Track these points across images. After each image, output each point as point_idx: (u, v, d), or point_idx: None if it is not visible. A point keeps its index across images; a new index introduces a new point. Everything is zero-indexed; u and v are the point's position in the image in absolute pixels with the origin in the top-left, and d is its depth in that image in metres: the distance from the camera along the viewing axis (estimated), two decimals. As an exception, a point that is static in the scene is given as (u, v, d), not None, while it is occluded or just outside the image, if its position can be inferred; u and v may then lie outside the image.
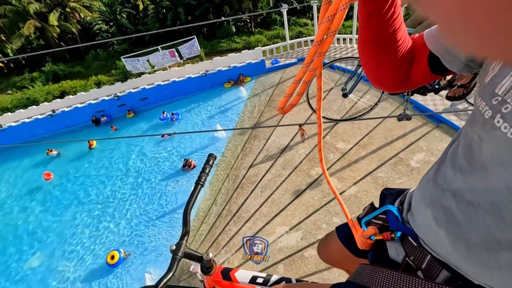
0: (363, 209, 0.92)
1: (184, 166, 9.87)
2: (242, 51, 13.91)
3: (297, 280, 1.07)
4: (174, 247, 0.91)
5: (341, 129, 9.62)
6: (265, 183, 8.63)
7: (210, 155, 1.17)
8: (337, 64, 3.11)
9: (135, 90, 13.25)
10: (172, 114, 12.44)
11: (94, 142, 11.79)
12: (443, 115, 8.59)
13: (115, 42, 22.27)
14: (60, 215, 9.65)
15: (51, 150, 11.79)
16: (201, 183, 1.08)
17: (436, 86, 2.39)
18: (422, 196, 0.59)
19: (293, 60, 13.48)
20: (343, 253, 0.98)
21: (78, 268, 8.13)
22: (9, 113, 13.91)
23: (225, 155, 10.08)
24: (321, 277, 5.92)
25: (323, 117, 3.37)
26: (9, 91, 19.18)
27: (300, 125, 8.03)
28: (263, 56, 13.68)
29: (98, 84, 16.10)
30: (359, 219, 0.87)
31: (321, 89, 0.74)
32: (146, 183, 9.97)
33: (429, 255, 0.58)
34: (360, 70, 2.64)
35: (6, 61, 23.13)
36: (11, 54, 22.00)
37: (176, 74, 13.55)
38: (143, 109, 13.67)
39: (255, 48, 14.00)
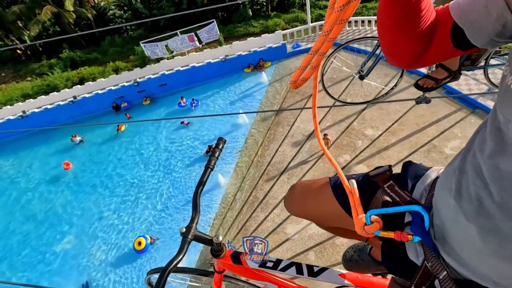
0: (375, 168, 0.83)
1: (207, 152, 9.82)
2: (262, 35, 13.53)
3: (307, 266, 1.04)
4: (184, 229, 0.92)
5: (369, 115, 9.31)
6: (292, 170, 8.50)
7: (220, 139, 1.16)
8: (356, 46, 3.00)
9: (155, 76, 13.14)
10: (193, 99, 12.33)
11: (123, 126, 11.76)
12: (480, 100, 8.19)
13: (129, 27, 22.08)
14: (85, 201, 9.82)
15: (75, 136, 11.91)
16: (211, 166, 1.09)
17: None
18: (448, 188, 0.54)
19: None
20: (335, 212, 0.88)
21: (106, 253, 8.31)
22: (31, 100, 14.09)
23: (248, 142, 9.96)
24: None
25: (338, 99, 3.25)
26: (29, 78, 19.41)
27: (325, 135, 7.84)
28: (284, 40, 13.27)
29: (116, 71, 16.06)
30: (367, 175, 0.80)
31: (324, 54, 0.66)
32: (170, 169, 9.99)
33: (445, 272, 0.56)
34: (378, 50, 2.53)
35: (23, 48, 23.31)
36: (28, 41, 22.15)
37: (195, 60, 13.33)
38: (161, 96, 13.59)
39: (275, 32, 13.59)
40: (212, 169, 1.10)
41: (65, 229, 9.22)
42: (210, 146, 9.88)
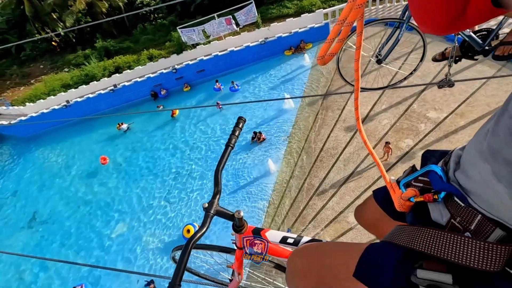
0: (404, 172, 0.84)
1: (253, 138, 9.54)
2: (302, 15, 12.85)
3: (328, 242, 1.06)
4: (207, 205, 0.95)
5: (430, 96, 8.59)
6: (347, 156, 8.05)
7: (240, 118, 1.17)
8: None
9: (193, 62, 12.91)
10: (232, 82, 12.04)
11: (177, 111, 11.70)
12: None
13: (161, 15, 21.91)
14: (135, 188, 9.92)
15: (121, 124, 12.02)
16: (231, 145, 1.10)
17: (486, 48, 2.17)
18: (479, 150, 0.51)
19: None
20: (380, 216, 0.96)
21: (157, 240, 8.37)
22: (73, 89, 14.38)
23: (296, 127, 9.56)
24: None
25: (349, 83, 2.94)
26: (66, 69, 19.90)
27: (387, 143, 7.25)
28: (325, 19, 12.53)
29: (151, 58, 16.02)
30: (398, 181, 0.81)
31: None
32: (215, 156, 9.83)
33: (480, 215, 0.53)
34: (397, 32, 2.38)
35: (58, 40, 23.89)
36: (62, 33, 22.62)
37: (233, 44, 12.94)
38: (199, 82, 13.39)
39: (316, 11, 12.84)
40: (232, 148, 1.11)
41: (116, 215, 9.38)
42: (255, 133, 9.58)
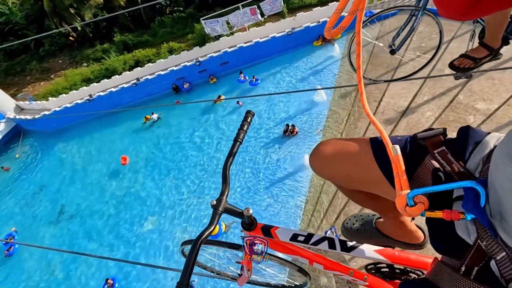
0: (426, 130, 0.73)
1: (285, 132, 9.20)
2: (330, 4, 12.33)
3: (340, 240, 1.03)
4: (215, 202, 0.93)
5: (477, 86, 8.03)
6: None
7: (248, 112, 1.16)
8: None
9: (217, 54, 12.59)
10: (253, 77, 11.73)
11: (222, 97, 11.35)
12: None
13: (176, 8, 21.63)
14: (163, 182, 9.75)
15: (152, 114, 11.85)
16: (239, 140, 1.09)
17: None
18: (509, 155, 0.46)
19: (391, 11, 11.59)
20: (376, 180, 0.77)
21: (188, 235, 8.18)
22: (95, 83, 14.28)
23: (329, 120, 9.15)
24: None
25: (365, 77, 3.08)
26: (85, 64, 19.89)
27: None
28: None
29: (171, 52, 15.79)
30: (415, 136, 0.72)
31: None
32: (245, 150, 9.54)
33: (504, 253, 0.49)
34: (412, 20, 2.31)
35: (75, 35, 23.93)
36: (79, 28, 22.61)
37: (257, 35, 12.55)
38: (222, 75, 13.08)
39: (344, -2, 12.29)
40: (241, 143, 1.10)
41: (144, 210, 9.23)
42: (287, 125, 9.24)
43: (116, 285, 7.68)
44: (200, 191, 9.04)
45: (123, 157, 10.79)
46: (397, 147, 0.63)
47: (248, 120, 1.14)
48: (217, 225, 6.08)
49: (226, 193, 0.97)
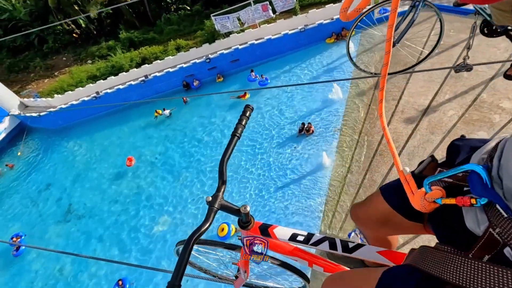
0: (419, 164, 0.80)
1: (301, 130, 8.97)
2: (343, 0, 12.08)
3: (341, 241, 1.01)
4: (210, 198, 0.91)
5: (500, 84, 7.83)
6: (411, 149, 7.39)
7: (247, 106, 1.13)
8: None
9: (227, 51, 12.35)
10: (261, 76, 11.49)
11: (247, 94, 11.09)
12: None
13: (181, 6, 21.38)
14: (173, 182, 9.50)
15: (164, 110, 11.62)
16: (238, 134, 1.06)
17: (509, 27, 2.20)
18: None
19: (406, 8, 11.37)
20: (388, 215, 0.89)
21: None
22: (102, 81, 14.03)
23: (346, 119, 8.93)
24: None
25: (362, 69, 2.98)
26: (89, 61, 19.63)
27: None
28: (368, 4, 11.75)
29: (178, 49, 15.53)
30: (413, 174, 0.75)
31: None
32: (259, 150, 9.31)
33: None
34: (412, 12, 2.25)
35: (79, 33, 23.67)
36: (83, 25, 22.36)
37: (269, 32, 12.30)
38: (232, 73, 12.83)
39: (357, -4, 12.06)
40: (239, 138, 1.06)
41: (155, 209, 8.99)
42: (303, 124, 9.01)
43: (127, 286, 7.46)
44: (211, 192, 8.79)
45: (129, 158, 10.53)
46: (407, 168, 0.73)
47: (247, 114, 1.11)
48: (226, 226, 5.84)
49: (222, 189, 0.94)
